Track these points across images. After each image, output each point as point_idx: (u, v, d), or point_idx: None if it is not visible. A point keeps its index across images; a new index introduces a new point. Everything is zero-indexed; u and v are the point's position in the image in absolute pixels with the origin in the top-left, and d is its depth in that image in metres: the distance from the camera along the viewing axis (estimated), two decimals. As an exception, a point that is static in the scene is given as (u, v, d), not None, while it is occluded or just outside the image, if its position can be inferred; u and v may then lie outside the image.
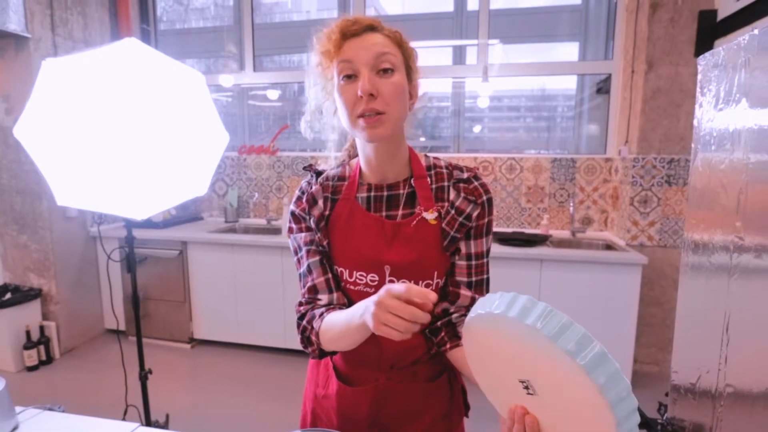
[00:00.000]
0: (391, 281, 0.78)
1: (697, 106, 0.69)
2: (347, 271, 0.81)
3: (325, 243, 0.82)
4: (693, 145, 0.70)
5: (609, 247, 2.77)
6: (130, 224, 1.74)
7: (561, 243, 2.92)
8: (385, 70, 0.71)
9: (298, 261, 0.85)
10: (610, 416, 0.45)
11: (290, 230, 0.87)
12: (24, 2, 2.67)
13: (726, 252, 0.61)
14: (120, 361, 1.92)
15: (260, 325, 3.03)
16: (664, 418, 0.78)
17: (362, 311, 0.66)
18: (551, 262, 2.53)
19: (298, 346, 3.17)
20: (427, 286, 0.80)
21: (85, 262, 3.22)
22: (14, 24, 2.62)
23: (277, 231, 3.25)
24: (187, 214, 3.57)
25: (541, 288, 2.56)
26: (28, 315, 2.89)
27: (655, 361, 2.77)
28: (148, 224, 3.16)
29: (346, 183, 0.83)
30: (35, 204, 2.92)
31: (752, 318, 0.56)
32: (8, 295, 2.84)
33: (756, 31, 0.52)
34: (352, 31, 0.72)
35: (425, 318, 0.59)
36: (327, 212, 0.82)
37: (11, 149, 2.88)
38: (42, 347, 2.89)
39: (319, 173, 0.86)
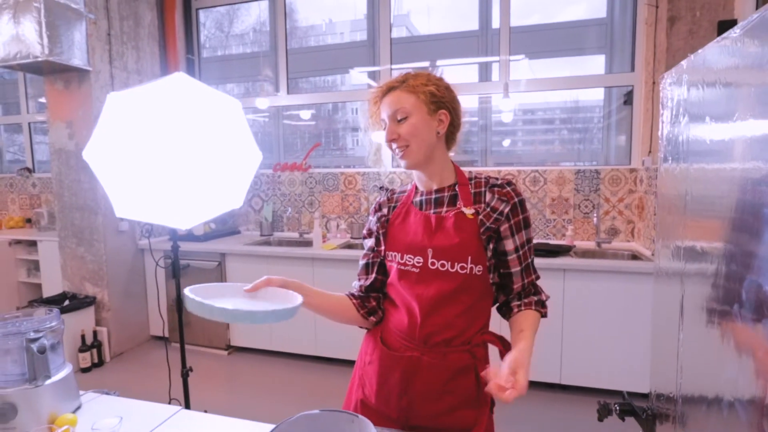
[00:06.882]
0: (432, 262, 1.01)
1: (660, 121, 0.77)
2: (399, 254, 1.06)
3: (381, 232, 1.11)
4: (659, 156, 0.78)
5: (634, 257, 2.76)
6: (175, 236, 1.93)
7: (585, 253, 2.93)
8: (402, 119, 1.00)
9: (363, 256, 1.17)
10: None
11: (364, 235, 1.18)
12: (87, 40, 3.00)
13: (678, 256, 0.68)
14: (163, 365, 2.10)
15: (293, 334, 3.18)
16: (648, 408, 0.84)
17: None
18: (574, 271, 2.55)
19: (329, 354, 3.25)
20: (462, 269, 0.99)
21: (133, 273, 3.49)
22: (78, 59, 2.95)
23: (308, 243, 3.42)
24: (226, 228, 3.80)
25: (564, 297, 2.58)
26: (84, 320, 3.16)
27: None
28: (190, 237, 3.40)
29: (405, 194, 1.13)
30: (91, 219, 3.21)
31: (699, 317, 0.63)
32: (67, 302, 3.12)
33: (692, 56, 0.60)
34: (381, 93, 1.05)
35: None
36: (388, 214, 1.11)
37: (72, 170, 3.20)
38: (95, 350, 3.15)
39: (388, 190, 1.17)
